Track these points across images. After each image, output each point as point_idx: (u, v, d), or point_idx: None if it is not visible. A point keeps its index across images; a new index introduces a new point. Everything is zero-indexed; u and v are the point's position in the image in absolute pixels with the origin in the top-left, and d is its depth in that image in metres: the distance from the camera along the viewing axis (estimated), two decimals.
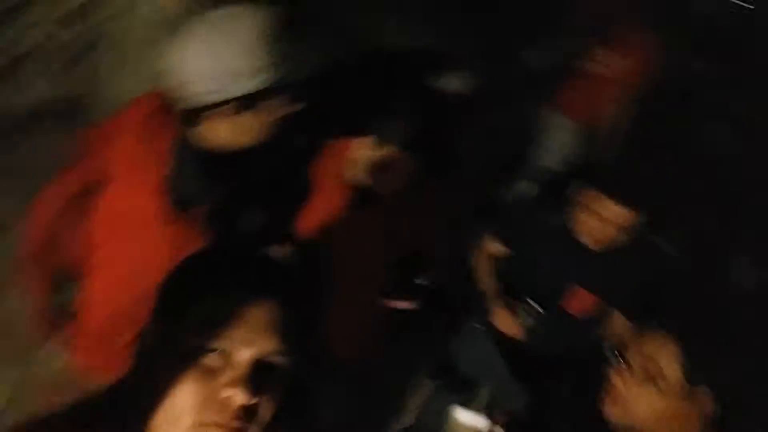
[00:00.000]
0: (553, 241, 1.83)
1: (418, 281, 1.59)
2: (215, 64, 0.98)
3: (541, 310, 1.77)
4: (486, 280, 1.98)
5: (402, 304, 1.58)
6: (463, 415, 1.56)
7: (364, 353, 1.68)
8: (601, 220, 1.64)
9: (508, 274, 1.94)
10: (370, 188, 1.43)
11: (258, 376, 0.66)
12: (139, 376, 0.71)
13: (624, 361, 1.05)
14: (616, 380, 1.06)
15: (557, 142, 2.98)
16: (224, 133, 1.08)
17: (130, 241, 1.12)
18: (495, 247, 1.97)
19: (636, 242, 1.72)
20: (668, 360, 1.01)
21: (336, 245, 1.48)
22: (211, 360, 0.66)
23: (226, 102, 1.02)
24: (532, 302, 1.77)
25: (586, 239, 1.74)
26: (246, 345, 0.66)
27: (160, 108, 1.12)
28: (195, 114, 1.05)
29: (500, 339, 1.93)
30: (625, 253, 1.74)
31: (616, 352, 1.08)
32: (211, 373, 0.66)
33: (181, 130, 1.09)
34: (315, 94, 1.12)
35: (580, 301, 1.83)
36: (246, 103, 1.03)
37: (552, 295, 1.84)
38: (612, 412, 1.07)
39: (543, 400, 1.67)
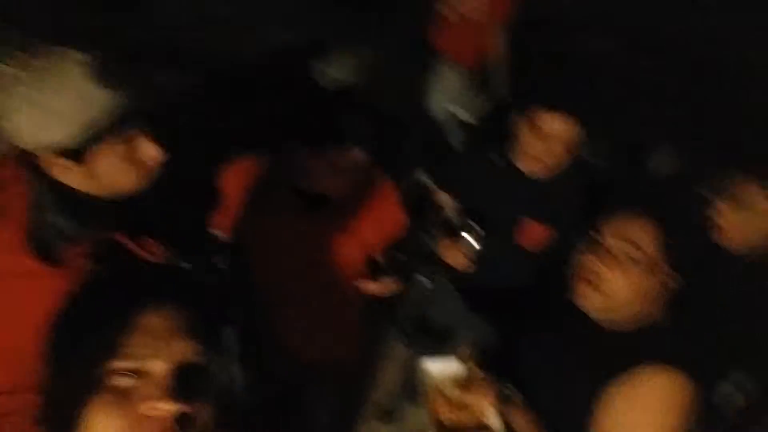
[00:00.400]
0: (498, 178, 1.84)
1: (395, 258, 1.62)
2: (45, 111, 0.92)
3: (482, 232, 1.71)
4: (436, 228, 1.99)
5: (372, 287, 1.59)
6: (434, 366, 1.50)
7: (337, 353, 1.70)
8: (545, 138, 1.63)
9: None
10: (319, 194, 1.46)
11: (182, 383, 0.64)
12: (53, 425, 0.66)
13: (601, 245, 1.13)
14: (595, 264, 1.13)
15: (451, 88, 3.01)
16: (86, 178, 1.00)
17: None
18: (443, 197, 2.00)
19: (576, 161, 1.72)
20: (646, 238, 1.10)
21: (282, 251, 1.52)
22: (123, 381, 0.63)
23: (70, 148, 0.95)
24: (473, 224, 1.72)
25: (531, 167, 1.73)
26: (157, 356, 0.64)
27: (7, 162, 1.02)
28: (51, 160, 0.97)
29: (453, 278, 1.95)
30: (568, 177, 1.74)
31: (594, 236, 1.16)
32: (127, 394, 0.62)
33: (37, 178, 1.00)
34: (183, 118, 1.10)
35: (531, 234, 1.82)
36: (93, 144, 0.96)
37: (503, 229, 1.82)
38: (590, 300, 1.15)
39: (508, 328, 1.62)
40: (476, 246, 1.73)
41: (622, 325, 1.16)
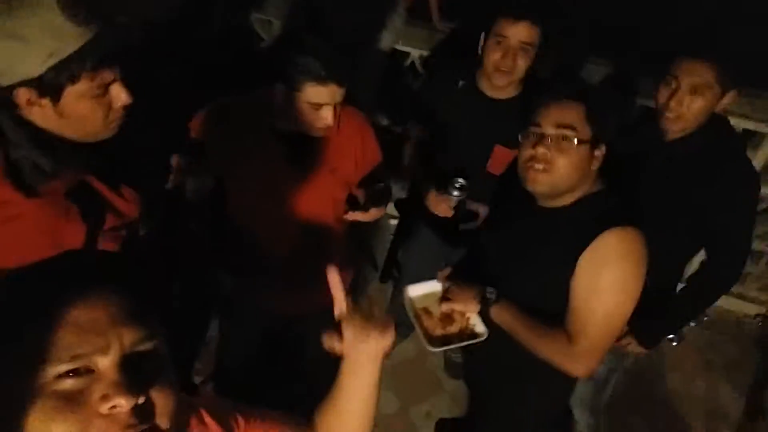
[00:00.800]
0: (468, 107, 1.94)
1: (376, 187, 1.66)
2: (15, 39, 0.95)
3: (466, 184, 1.84)
4: (414, 166, 2.11)
5: (358, 215, 1.63)
6: (416, 290, 1.63)
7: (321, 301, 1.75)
8: (507, 46, 1.77)
9: (434, 155, 2.05)
10: (298, 133, 1.49)
11: (132, 373, 0.59)
12: None
13: (544, 136, 1.33)
14: (544, 153, 1.32)
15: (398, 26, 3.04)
16: (60, 118, 1.04)
17: None
18: (417, 130, 2.09)
19: (531, 80, 1.88)
20: (577, 120, 1.33)
21: (265, 193, 1.55)
22: (67, 383, 0.58)
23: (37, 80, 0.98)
24: (462, 180, 1.83)
25: (498, 81, 1.84)
26: (99, 351, 0.58)
27: None
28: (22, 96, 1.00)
29: (436, 224, 2.09)
30: (528, 94, 1.84)
31: (536, 130, 1.35)
32: (74, 396, 0.58)
33: (11, 117, 1.03)
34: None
35: (501, 160, 1.92)
36: (66, 81, 1.00)
37: (477, 162, 1.95)
38: (540, 182, 1.35)
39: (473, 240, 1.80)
40: (461, 197, 1.86)
41: (565, 198, 1.39)
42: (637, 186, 1.68)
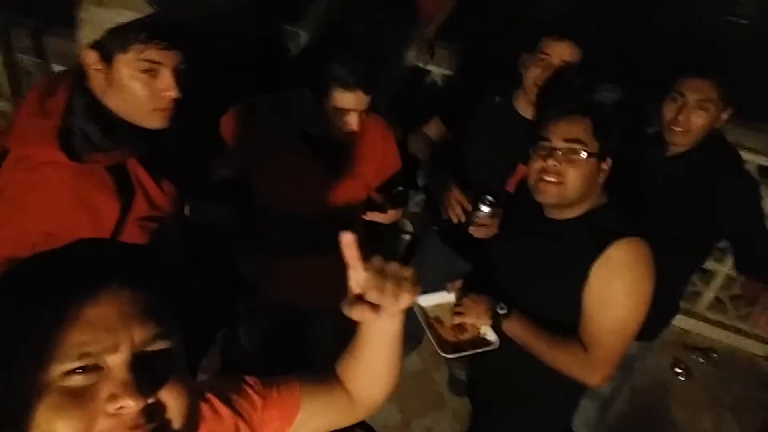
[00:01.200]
0: (497, 123, 1.97)
1: (394, 191, 1.72)
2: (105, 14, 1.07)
3: (495, 202, 1.81)
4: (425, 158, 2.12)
5: (378, 216, 1.68)
6: (426, 300, 1.64)
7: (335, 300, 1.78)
8: (548, 63, 1.81)
9: (450, 157, 2.06)
10: (323, 137, 1.54)
11: (144, 372, 0.57)
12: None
13: (554, 149, 1.38)
14: (555, 166, 1.37)
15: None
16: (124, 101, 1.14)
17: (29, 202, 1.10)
18: (437, 129, 2.12)
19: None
20: (585, 135, 1.38)
21: (291, 193, 1.60)
22: (76, 380, 0.55)
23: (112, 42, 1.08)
24: (490, 198, 1.80)
25: (533, 95, 1.87)
26: (110, 349, 0.56)
27: (66, 76, 1.19)
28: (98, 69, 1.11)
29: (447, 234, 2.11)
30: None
31: (545, 144, 1.40)
32: (82, 393, 0.56)
33: (78, 89, 1.14)
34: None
35: (517, 177, 1.91)
36: (119, 49, 1.08)
37: (497, 177, 1.95)
38: (550, 193, 1.40)
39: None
40: (489, 215, 1.81)
41: (573, 210, 1.43)
42: (642, 200, 1.72)
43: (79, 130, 1.12)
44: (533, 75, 1.85)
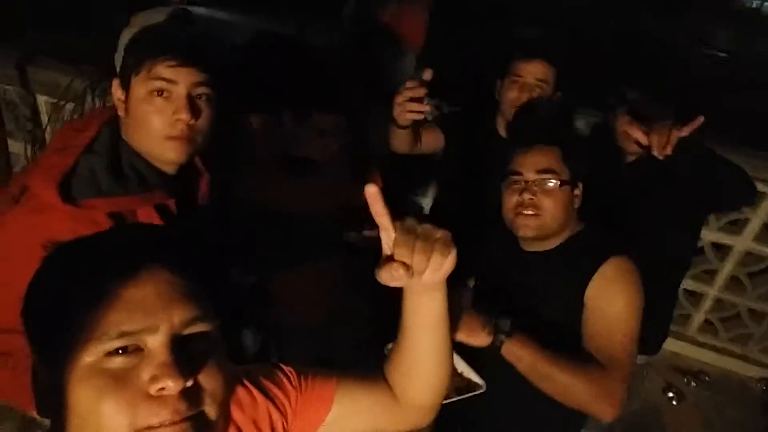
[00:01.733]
0: (481, 148, 1.96)
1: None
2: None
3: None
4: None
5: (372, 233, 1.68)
6: None
7: (314, 317, 1.73)
8: (523, 84, 1.83)
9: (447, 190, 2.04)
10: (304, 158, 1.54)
11: (183, 354, 0.58)
12: (46, 410, 0.61)
13: (527, 182, 1.37)
14: (531, 199, 1.35)
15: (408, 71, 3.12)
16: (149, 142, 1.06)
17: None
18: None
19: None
20: (556, 164, 1.37)
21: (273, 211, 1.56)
22: (116, 361, 0.56)
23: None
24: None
25: (510, 116, 1.87)
26: (150, 330, 0.57)
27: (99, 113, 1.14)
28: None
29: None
30: None
31: (517, 178, 1.39)
32: (122, 375, 0.56)
33: (109, 122, 1.07)
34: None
35: None
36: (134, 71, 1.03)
37: (481, 200, 1.85)
38: (530, 227, 1.37)
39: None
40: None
41: (552, 240, 1.41)
42: (613, 214, 1.71)
43: (87, 171, 1.01)
44: (510, 97, 1.86)
